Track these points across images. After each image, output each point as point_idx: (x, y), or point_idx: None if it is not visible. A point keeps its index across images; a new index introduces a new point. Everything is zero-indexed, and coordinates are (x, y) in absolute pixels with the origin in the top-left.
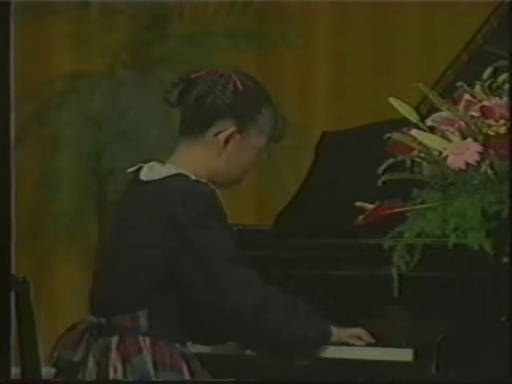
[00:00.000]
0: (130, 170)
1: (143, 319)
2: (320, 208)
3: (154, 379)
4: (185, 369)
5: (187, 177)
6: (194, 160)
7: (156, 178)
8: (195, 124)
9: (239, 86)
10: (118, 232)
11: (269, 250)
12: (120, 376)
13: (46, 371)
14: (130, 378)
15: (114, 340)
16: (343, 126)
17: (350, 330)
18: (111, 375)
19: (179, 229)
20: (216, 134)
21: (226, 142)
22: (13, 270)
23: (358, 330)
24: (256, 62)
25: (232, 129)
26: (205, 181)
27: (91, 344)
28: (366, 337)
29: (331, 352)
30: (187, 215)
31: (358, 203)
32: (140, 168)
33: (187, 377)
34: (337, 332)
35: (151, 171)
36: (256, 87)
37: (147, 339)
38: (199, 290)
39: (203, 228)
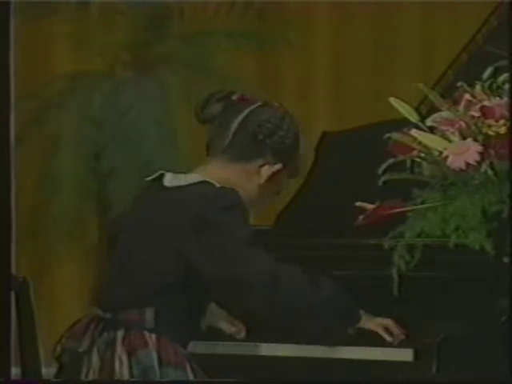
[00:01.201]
0: (150, 177)
1: (150, 315)
2: (320, 208)
3: (157, 373)
4: (188, 367)
5: (212, 184)
6: (226, 179)
7: (182, 184)
8: (243, 150)
9: (296, 126)
10: (132, 232)
11: (269, 250)
12: (125, 368)
13: (46, 372)
14: (135, 371)
15: (120, 333)
16: (343, 126)
17: (378, 319)
18: (117, 367)
19: (203, 228)
20: (262, 165)
21: (270, 176)
22: (13, 270)
23: (388, 321)
24: (256, 62)
25: (279, 165)
26: (230, 187)
27: (96, 337)
28: (395, 329)
29: (331, 352)
30: (212, 214)
31: (358, 203)
32: (161, 175)
33: (190, 374)
34: (365, 317)
35: (175, 179)
36: (296, 126)
37: (153, 335)
38: (218, 276)
39: (226, 221)
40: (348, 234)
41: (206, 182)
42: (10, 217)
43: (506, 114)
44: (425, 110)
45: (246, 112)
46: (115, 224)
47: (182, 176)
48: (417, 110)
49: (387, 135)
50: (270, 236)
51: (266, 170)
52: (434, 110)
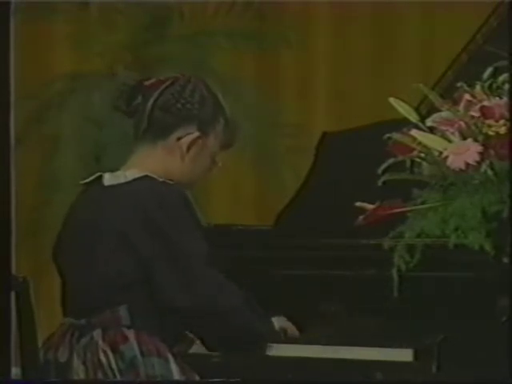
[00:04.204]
0: (87, 180)
1: (124, 312)
2: (320, 208)
3: (142, 363)
4: (170, 356)
5: (154, 179)
6: (154, 163)
7: (122, 181)
8: (158, 128)
9: (204, 92)
10: (83, 236)
11: (269, 250)
12: (111, 359)
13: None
14: (120, 365)
15: (97, 332)
16: (343, 126)
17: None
18: (103, 359)
19: (157, 231)
20: (179, 138)
21: (189, 146)
22: (13, 270)
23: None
24: (256, 62)
25: (196, 134)
26: (172, 182)
27: (74, 345)
28: (290, 330)
29: (331, 352)
30: (165, 218)
31: (358, 203)
32: (99, 177)
33: (172, 362)
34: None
35: (115, 177)
36: (213, 94)
37: (131, 330)
38: (173, 290)
39: (182, 230)
40: (348, 234)
41: (146, 176)
42: (10, 217)
43: (506, 114)
44: (425, 110)
45: (156, 93)
46: (63, 234)
47: (121, 173)
48: (417, 110)
49: (387, 135)
50: (270, 236)
51: (185, 141)
52: (433, 110)
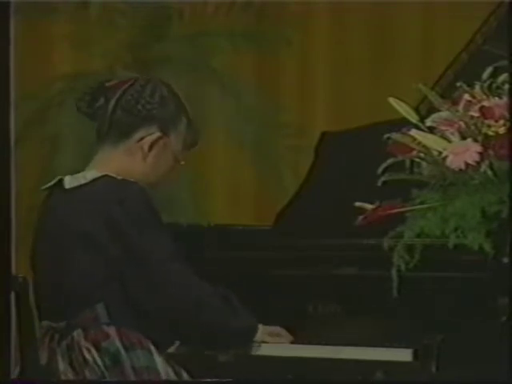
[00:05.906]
0: (48, 185)
1: (101, 310)
2: (320, 208)
3: (126, 357)
4: (153, 349)
5: (113, 178)
6: (116, 164)
7: (82, 183)
8: (120, 130)
9: (165, 92)
10: (52, 240)
11: (269, 250)
12: (95, 356)
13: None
14: (105, 361)
15: (77, 332)
16: (343, 126)
17: (270, 328)
18: (87, 356)
19: (119, 230)
20: (140, 139)
21: (151, 146)
22: (13, 270)
23: (278, 329)
24: (256, 62)
25: (157, 134)
26: (132, 180)
27: (55, 348)
28: (285, 334)
29: (331, 352)
30: (126, 216)
31: (358, 203)
32: (60, 181)
33: (155, 354)
34: (261, 329)
35: (75, 179)
36: (175, 94)
37: (111, 326)
38: (141, 289)
39: (143, 228)
40: (348, 234)
41: (105, 176)
42: (10, 217)
43: (506, 114)
44: (424, 110)
45: (118, 93)
46: (34, 241)
47: (81, 175)
48: (416, 110)
49: (387, 135)
50: (270, 236)
51: (146, 141)
52: (433, 110)
